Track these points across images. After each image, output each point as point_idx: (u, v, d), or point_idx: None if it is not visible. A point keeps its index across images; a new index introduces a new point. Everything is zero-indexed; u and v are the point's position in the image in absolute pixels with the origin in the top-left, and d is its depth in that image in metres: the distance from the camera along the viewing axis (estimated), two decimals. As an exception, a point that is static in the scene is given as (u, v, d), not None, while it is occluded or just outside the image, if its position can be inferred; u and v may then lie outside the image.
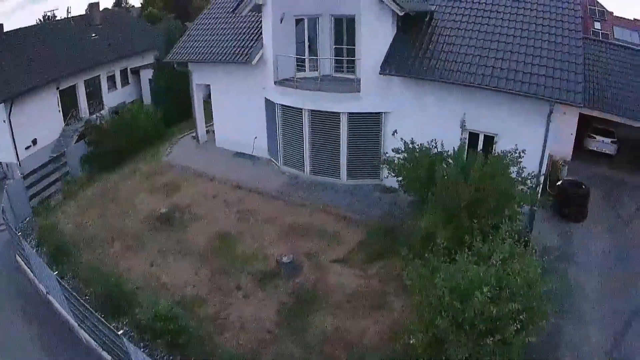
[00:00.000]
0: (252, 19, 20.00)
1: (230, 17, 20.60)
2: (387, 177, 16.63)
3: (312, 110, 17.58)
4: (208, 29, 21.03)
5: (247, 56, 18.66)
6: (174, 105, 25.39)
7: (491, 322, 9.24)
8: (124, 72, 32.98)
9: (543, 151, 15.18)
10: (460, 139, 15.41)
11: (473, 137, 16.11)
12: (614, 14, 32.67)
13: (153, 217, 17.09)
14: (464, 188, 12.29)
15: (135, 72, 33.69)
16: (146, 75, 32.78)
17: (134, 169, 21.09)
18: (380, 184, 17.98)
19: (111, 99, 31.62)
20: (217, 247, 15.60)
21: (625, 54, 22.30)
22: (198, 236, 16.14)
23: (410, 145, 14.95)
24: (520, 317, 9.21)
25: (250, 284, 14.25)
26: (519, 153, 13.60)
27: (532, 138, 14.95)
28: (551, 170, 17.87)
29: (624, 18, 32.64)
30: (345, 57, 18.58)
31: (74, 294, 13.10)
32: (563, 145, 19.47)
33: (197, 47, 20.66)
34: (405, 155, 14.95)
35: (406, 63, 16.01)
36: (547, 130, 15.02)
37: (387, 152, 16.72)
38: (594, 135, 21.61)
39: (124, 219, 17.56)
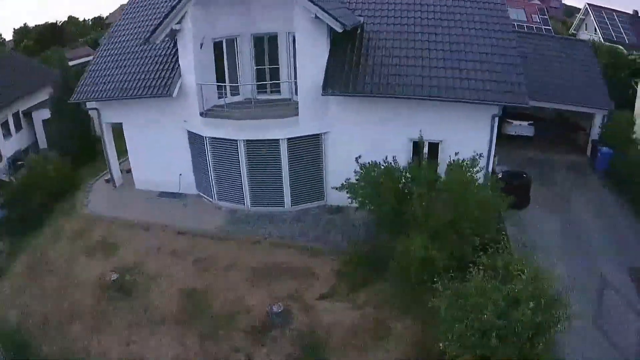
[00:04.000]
0: (164, 47, 18.08)
1: (137, 47, 18.62)
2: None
3: (248, 140, 16.35)
4: (113, 63, 18.73)
5: (166, 88, 16.84)
6: (77, 147, 22.58)
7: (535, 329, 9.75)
8: (16, 116, 28.64)
9: (489, 151, 15.46)
10: (421, 153, 14.98)
11: (417, 145, 15.72)
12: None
13: (104, 286, 15.02)
14: (445, 204, 12.12)
15: (27, 114, 29.43)
16: (39, 116, 28.95)
17: (57, 228, 18.47)
18: (325, 204, 17.39)
19: (9, 147, 27.35)
20: (191, 308, 14.03)
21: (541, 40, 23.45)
22: (164, 300, 14.41)
23: (365, 166, 14.22)
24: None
25: (246, 342, 13.00)
26: (477, 157, 13.71)
27: (478, 140, 15.29)
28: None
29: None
30: (269, 78, 17.56)
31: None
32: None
33: (103, 83, 18.34)
34: (362, 177, 14.24)
35: (347, 81, 15.37)
36: (492, 131, 15.37)
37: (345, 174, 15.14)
38: (511, 120, 22.33)
39: (72, 292, 15.27)
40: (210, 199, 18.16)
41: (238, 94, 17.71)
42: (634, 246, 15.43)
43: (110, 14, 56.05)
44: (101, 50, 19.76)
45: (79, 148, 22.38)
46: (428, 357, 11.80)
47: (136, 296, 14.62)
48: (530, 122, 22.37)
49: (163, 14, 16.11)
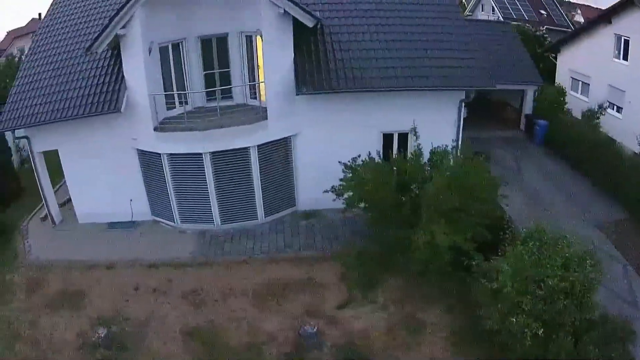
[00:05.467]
0: (101, 57, 15.93)
1: (67, 61, 16.28)
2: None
3: (214, 152, 15.00)
4: (40, 82, 16.08)
5: (112, 103, 14.77)
6: None
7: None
8: None
9: (458, 136, 15.73)
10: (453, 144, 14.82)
11: (387, 137, 15.94)
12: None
13: (90, 346, 12.71)
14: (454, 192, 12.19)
15: None
16: None
17: (2, 282, 15.48)
18: (296, 210, 16.61)
19: None
20: (204, 350, 12.40)
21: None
22: (169, 346, 12.56)
23: (351, 166, 13.88)
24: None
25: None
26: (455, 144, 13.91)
27: (445, 127, 15.63)
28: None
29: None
30: (219, 83, 16.23)
31: None
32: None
33: (31, 106, 15.66)
34: (351, 175, 13.77)
35: (319, 79, 14.72)
36: (459, 116, 15.72)
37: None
38: None
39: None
40: (171, 223, 16.42)
41: (187, 103, 16.16)
42: (592, 205, 16.79)
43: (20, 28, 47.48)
44: (23, 70, 16.96)
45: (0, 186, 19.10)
46: (475, 340, 11.78)
47: (135, 349, 12.56)
48: None
49: (105, 19, 14.36)
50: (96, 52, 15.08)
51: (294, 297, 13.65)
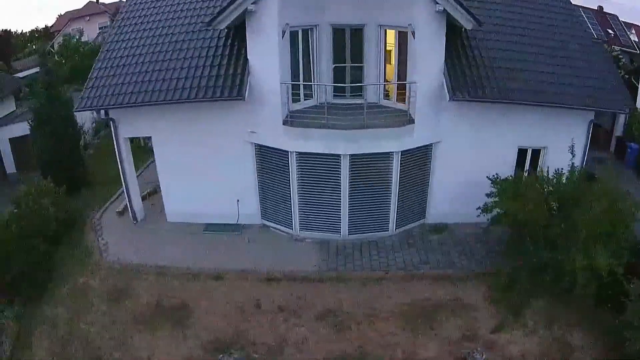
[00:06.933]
0: (209, 36, 14.13)
1: (165, 36, 14.39)
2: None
3: (354, 155, 13.36)
4: (135, 58, 14.07)
5: (236, 88, 13.03)
6: (66, 170, 16.60)
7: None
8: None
9: (583, 157, 14.97)
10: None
11: (521, 152, 14.89)
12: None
13: None
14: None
15: None
16: (4, 134, 21.82)
17: (76, 287, 13.26)
18: (425, 223, 15.16)
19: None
20: None
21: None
22: None
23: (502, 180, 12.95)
24: None
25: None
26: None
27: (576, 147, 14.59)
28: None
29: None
30: (349, 79, 14.62)
31: None
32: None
33: (125, 84, 13.73)
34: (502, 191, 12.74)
35: (472, 85, 13.40)
36: (587, 137, 14.91)
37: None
38: None
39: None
40: (287, 230, 14.65)
41: (311, 97, 14.52)
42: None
43: (53, 23, 50.71)
44: (108, 44, 14.73)
45: (66, 172, 16.48)
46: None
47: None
48: None
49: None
50: (217, 28, 13.42)
51: (446, 319, 12.31)
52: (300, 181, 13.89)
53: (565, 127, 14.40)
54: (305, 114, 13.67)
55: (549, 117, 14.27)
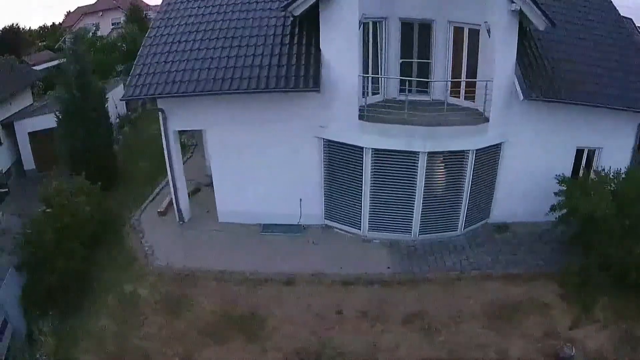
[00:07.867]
0: (270, 24, 13.31)
1: (222, 22, 13.48)
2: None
3: (431, 153, 12.89)
4: (189, 44, 13.06)
5: (310, 79, 12.33)
6: (96, 166, 14.88)
7: None
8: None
9: (631, 160, 15.14)
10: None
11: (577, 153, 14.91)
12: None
13: None
14: None
15: (7, 125, 20.16)
16: (24, 127, 19.99)
17: (122, 294, 12.00)
18: (488, 222, 14.88)
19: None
20: None
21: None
22: None
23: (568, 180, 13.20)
24: None
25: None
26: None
27: (626, 149, 14.93)
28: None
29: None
30: (415, 74, 14.14)
31: None
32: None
33: (180, 71, 12.65)
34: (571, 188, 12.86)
35: (545, 85, 13.32)
36: (637, 139, 15.06)
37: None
38: None
39: None
40: (354, 231, 13.94)
41: (378, 92, 13.95)
42: None
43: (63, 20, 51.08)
44: (156, 29, 13.58)
45: (100, 168, 14.83)
46: None
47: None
48: None
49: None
50: (293, 14, 12.69)
51: (524, 318, 12.04)
52: (373, 179, 13.26)
53: (619, 128, 14.61)
54: (378, 108, 13.09)
55: (604, 119, 14.31)
